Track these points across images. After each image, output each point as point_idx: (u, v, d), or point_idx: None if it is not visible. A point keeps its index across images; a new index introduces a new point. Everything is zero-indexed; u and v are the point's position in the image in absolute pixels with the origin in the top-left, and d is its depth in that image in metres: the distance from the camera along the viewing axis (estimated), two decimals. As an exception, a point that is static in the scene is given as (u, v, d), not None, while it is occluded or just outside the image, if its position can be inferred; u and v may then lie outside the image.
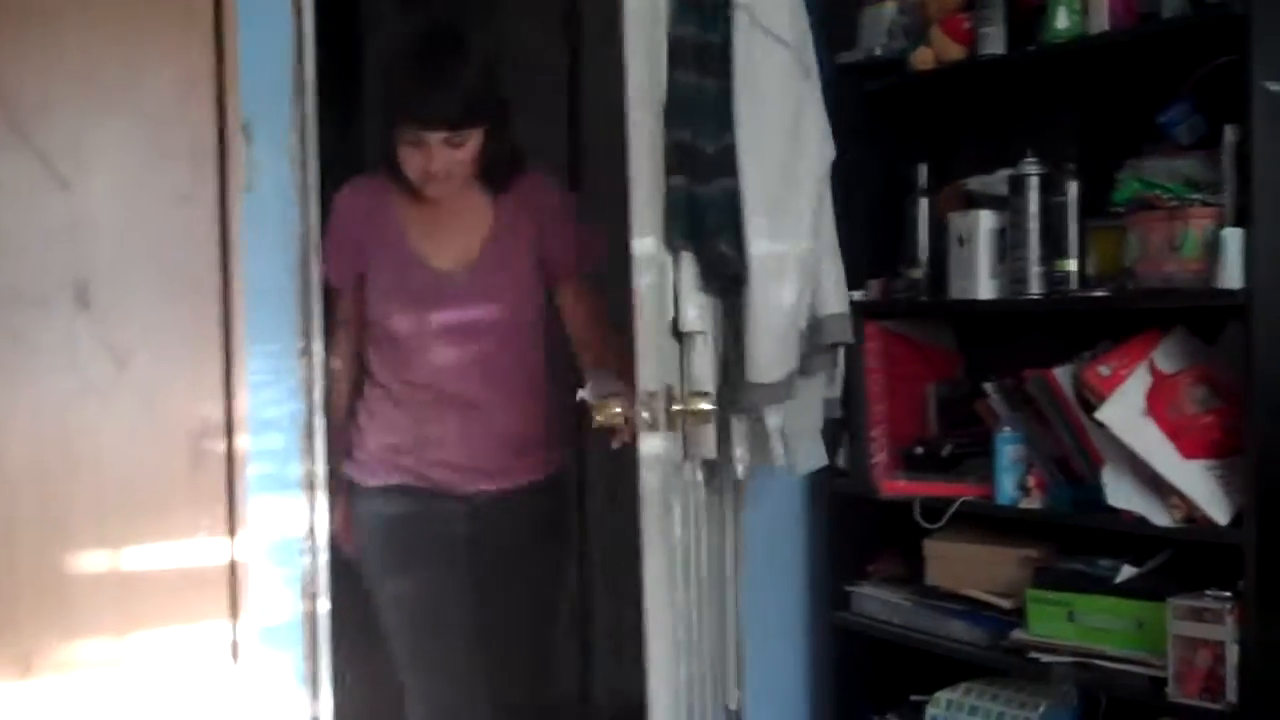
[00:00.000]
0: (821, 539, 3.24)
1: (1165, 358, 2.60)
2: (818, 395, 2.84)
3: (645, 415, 2.32)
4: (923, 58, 2.94)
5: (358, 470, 2.76)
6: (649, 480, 2.35)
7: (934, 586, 3.02)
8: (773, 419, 2.66)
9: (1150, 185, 2.57)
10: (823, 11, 3.08)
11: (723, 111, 2.54)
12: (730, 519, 2.91)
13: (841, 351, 2.86)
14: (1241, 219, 2.40)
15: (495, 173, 2.70)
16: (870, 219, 3.12)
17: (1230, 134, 2.43)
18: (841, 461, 3.14)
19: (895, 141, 3.15)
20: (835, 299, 2.74)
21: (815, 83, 2.71)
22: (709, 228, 2.50)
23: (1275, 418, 2.40)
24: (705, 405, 2.44)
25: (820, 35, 2.95)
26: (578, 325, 2.81)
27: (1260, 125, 2.36)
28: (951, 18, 2.90)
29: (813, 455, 2.85)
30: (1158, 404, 2.55)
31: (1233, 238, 2.39)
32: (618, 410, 2.44)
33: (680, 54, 2.51)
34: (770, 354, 2.59)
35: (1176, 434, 2.52)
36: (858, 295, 3.05)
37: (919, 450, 3.07)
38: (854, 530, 3.19)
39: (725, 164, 2.54)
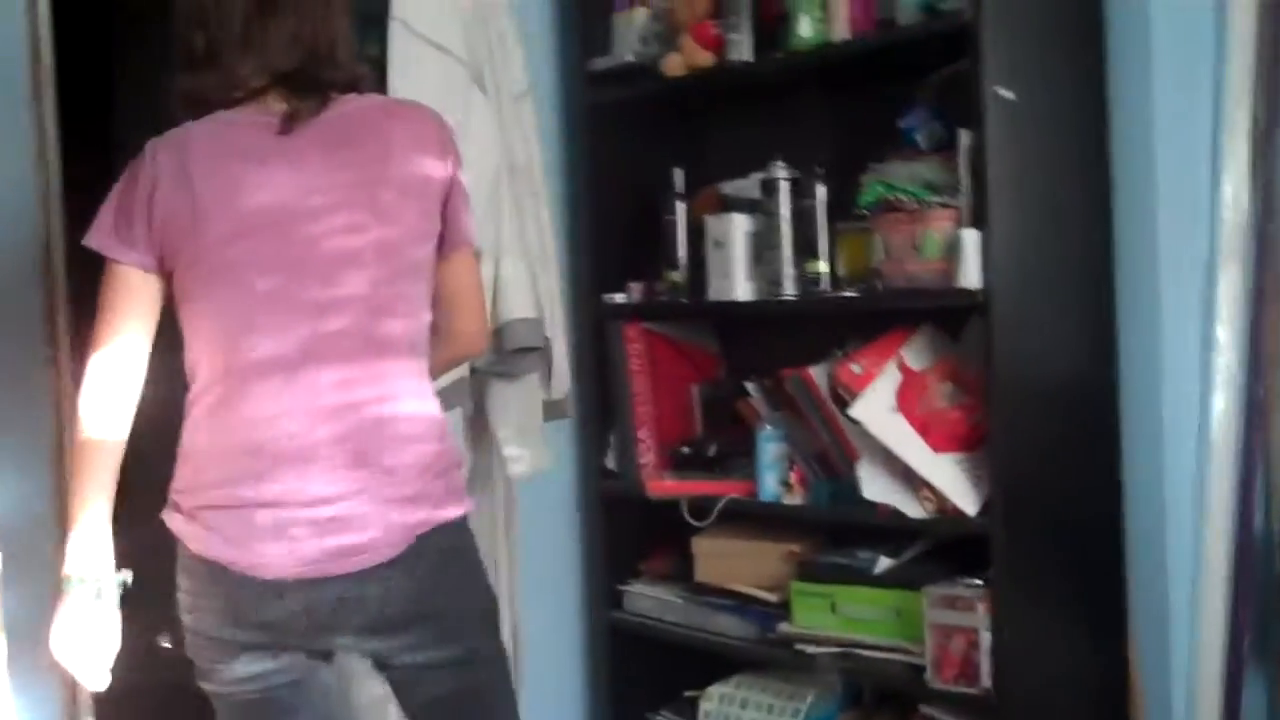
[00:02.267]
0: (593, 540, 3.26)
1: (914, 355, 2.69)
2: (535, 399, 2.86)
3: None
4: (673, 64, 2.97)
5: None
6: None
7: (703, 583, 3.06)
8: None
9: (893, 188, 2.64)
10: (575, 18, 3.12)
11: None
12: (501, 524, 2.93)
13: (558, 354, 2.87)
14: (978, 220, 2.48)
15: None
16: (631, 223, 3.16)
17: (965, 138, 2.50)
18: (611, 463, 3.18)
19: (652, 146, 3.18)
20: (522, 304, 2.75)
21: (506, 99, 2.78)
22: None
23: (1015, 410, 2.50)
24: None
25: (572, 41, 2.96)
26: None
27: (992, 129, 2.44)
28: (700, 25, 2.93)
29: (540, 458, 2.87)
30: (907, 400, 2.63)
31: (970, 238, 2.48)
32: None
33: None
34: None
35: (926, 428, 2.60)
36: (620, 298, 3.12)
37: (685, 450, 3.11)
38: (625, 530, 3.22)
39: None
